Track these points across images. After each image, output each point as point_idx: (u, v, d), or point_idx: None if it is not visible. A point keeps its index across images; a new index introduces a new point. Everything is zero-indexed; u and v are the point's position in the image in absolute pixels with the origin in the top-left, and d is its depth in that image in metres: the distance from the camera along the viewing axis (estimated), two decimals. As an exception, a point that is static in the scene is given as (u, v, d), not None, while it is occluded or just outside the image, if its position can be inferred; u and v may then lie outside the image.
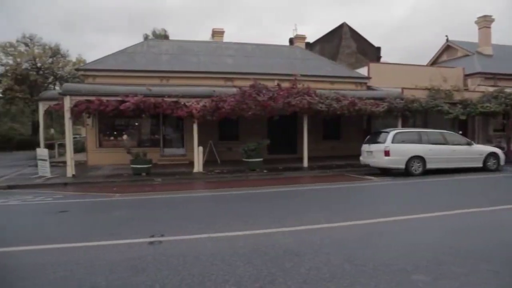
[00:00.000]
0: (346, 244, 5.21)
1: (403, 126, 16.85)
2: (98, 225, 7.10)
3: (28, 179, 13.76)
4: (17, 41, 42.93)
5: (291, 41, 30.69)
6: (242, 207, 8.58)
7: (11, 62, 42.48)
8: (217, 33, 25.50)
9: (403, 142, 13.57)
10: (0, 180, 13.70)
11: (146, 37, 45.97)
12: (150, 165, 14.38)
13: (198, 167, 14.68)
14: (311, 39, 34.40)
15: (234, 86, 15.79)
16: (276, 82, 16.62)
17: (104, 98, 13.92)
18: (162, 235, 5.77)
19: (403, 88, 18.47)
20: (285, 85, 15.96)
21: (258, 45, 23.59)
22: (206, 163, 15.36)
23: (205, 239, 5.60)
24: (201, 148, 14.85)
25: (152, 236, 5.71)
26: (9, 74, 41.14)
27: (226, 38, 25.55)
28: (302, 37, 27.65)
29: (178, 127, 19.39)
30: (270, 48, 23.46)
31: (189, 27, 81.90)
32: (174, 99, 14.42)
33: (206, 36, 46.47)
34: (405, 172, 13.31)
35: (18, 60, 42.26)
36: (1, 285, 4.05)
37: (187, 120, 16.81)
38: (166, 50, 21.46)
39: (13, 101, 43.22)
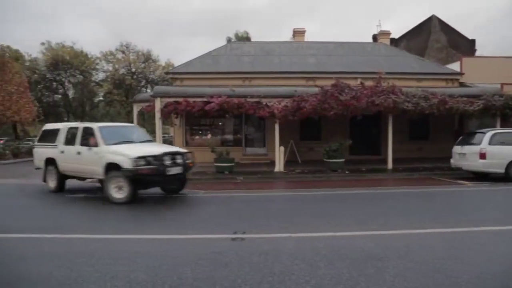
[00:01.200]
0: (434, 253, 4.84)
1: (503, 126, 15.25)
2: (185, 219, 7.51)
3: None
4: (116, 49, 47.22)
5: (375, 37, 29.56)
6: (323, 208, 8.46)
7: (110, 68, 46.81)
8: (298, 33, 25.45)
9: (502, 143, 12.28)
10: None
11: (229, 40, 47.55)
12: (233, 164, 14.83)
13: (279, 166, 14.80)
14: (396, 34, 32.79)
15: (316, 86, 15.63)
16: (359, 81, 16.10)
17: (191, 99, 14.68)
18: (244, 232, 5.91)
19: (502, 84, 16.74)
20: (369, 83, 15.39)
21: (340, 43, 23.08)
22: (287, 163, 15.43)
23: (287, 238, 5.62)
24: (282, 148, 14.95)
25: (235, 233, 5.87)
26: (109, 79, 45.44)
27: (308, 38, 25.38)
28: (387, 33, 26.44)
29: (260, 127, 19.73)
30: (353, 46, 22.81)
31: (271, 28, 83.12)
32: (256, 100, 14.70)
33: (288, 36, 46.69)
34: (505, 177, 12.04)
35: (116, 66, 46.45)
36: (94, 268, 4.46)
37: (268, 120, 17.03)
38: (248, 51, 21.97)
39: (112, 103, 47.62)
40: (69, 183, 11.56)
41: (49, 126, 12.43)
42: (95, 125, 10.38)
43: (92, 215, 8.07)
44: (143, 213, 8.23)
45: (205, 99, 14.55)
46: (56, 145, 11.08)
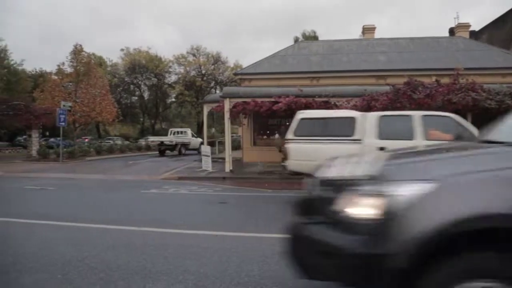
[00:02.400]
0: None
1: None
2: (251, 217, 7.61)
3: (194, 172, 15.65)
4: (187, 52, 49.31)
5: (452, 31, 27.64)
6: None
7: (182, 71, 48.97)
8: (368, 30, 24.66)
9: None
10: (172, 172, 15.97)
11: (296, 40, 47.39)
12: (299, 164, 14.72)
13: (347, 167, 14.43)
14: (476, 27, 30.39)
15: (387, 84, 15.00)
16: (434, 78, 15.17)
17: (259, 100, 14.88)
18: (311, 233, 5.84)
19: None
20: (445, 80, 14.43)
21: (412, 39, 21.94)
22: (355, 164, 15.01)
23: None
24: (350, 148, 14.56)
25: (302, 233, 5.83)
26: (180, 81, 47.56)
27: (378, 34, 24.51)
28: (465, 26, 24.59)
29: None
30: (426, 41, 21.55)
31: (339, 27, 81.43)
32: (325, 99, 14.49)
33: (357, 34, 45.45)
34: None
35: (188, 69, 48.49)
36: (167, 260, 4.67)
37: (336, 120, 16.69)
38: (316, 51, 21.74)
39: (183, 104, 49.78)
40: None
41: (315, 113, 10.25)
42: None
43: (177, 210, 8.50)
44: (211, 209, 8.51)
45: (272, 99, 14.65)
46: (357, 140, 8.74)
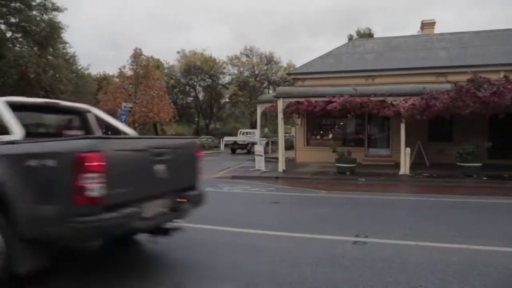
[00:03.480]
0: None
1: None
2: (304, 218, 7.57)
3: (247, 171, 15.82)
4: (240, 53, 49.99)
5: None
6: (455, 217, 7.65)
7: (236, 71, 49.73)
8: (427, 25, 23.50)
9: None
10: (226, 171, 16.26)
11: (350, 38, 46.36)
12: (354, 165, 14.42)
13: (404, 169, 13.89)
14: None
15: (448, 82, 14.21)
16: (502, 74, 14.17)
17: (312, 99, 14.72)
18: (366, 236, 5.69)
19: None
20: (516, 77, 13.41)
21: (478, 33, 20.56)
22: (413, 166, 14.38)
23: (413, 246, 5.24)
24: (408, 149, 13.99)
25: (356, 236, 5.70)
26: (234, 82, 48.32)
27: (438, 29, 23.28)
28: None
29: (384, 127, 18.80)
30: (494, 34, 20.04)
31: (396, 23, 78.43)
32: (380, 98, 14.03)
33: (415, 30, 43.51)
34: None
35: (241, 69, 49.15)
36: (215, 257, 4.76)
37: (393, 120, 16.12)
38: (371, 48, 21.12)
39: (237, 104, 50.54)
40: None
41: None
42: None
43: (231, 209, 8.67)
44: (263, 209, 8.56)
45: (326, 99, 14.43)
46: None
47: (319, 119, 18.84)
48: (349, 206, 9.04)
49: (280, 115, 15.25)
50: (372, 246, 5.30)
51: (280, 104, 15.13)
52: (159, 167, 3.81)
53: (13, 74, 21.18)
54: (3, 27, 23.08)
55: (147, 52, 47.97)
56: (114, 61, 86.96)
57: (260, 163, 16.04)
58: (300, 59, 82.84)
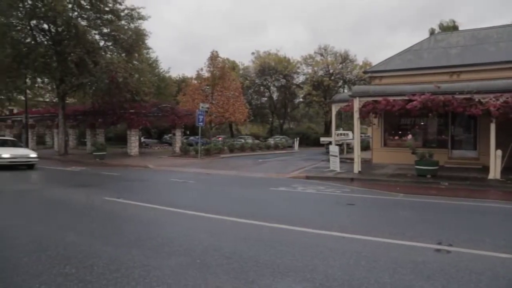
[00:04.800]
0: None
1: None
2: (381, 221, 7.27)
3: (321, 172, 15.62)
4: (315, 52, 49.56)
5: None
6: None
7: (310, 71, 49.37)
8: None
9: None
10: (300, 171, 16.21)
11: (432, 32, 43.50)
12: (436, 167, 13.54)
13: (494, 173, 12.71)
14: None
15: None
16: None
17: (391, 98, 14.09)
18: (450, 245, 5.31)
19: None
20: None
21: None
22: (504, 170, 13.10)
23: (506, 260, 4.77)
24: (499, 152, 12.76)
25: (439, 243, 5.34)
26: (308, 82, 47.99)
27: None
28: None
29: (470, 127, 17.40)
30: None
31: (484, 13, 72.04)
32: (467, 96, 12.99)
33: (508, 19, 39.45)
34: None
35: (315, 69, 48.65)
36: (295, 257, 4.74)
37: (481, 119, 14.86)
38: (456, 42, 19.63)
39: (311, 104, 50.13)
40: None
41: None
42: None
43: (305, 209, 8.68)
44: (338, 210, 8.38)
45: (406, 98, 13.72)
46: None
47: (398, 119, 18.01)
48: (430, 211, 8.50)
49: (356, 115, 14.83)
50: (458, 255, 4.93)
51: (356, 104, 14.70)
52: None
53: (104, 78, 23.14)
54: (97, 37, 25.34)
55: (222, 53, 49.60)
56: (191, 63, 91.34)
57: (335, 164, 15.75)
58: (376, 57, 79.99)
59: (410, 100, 13.49)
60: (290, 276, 4.14)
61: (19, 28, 23.65)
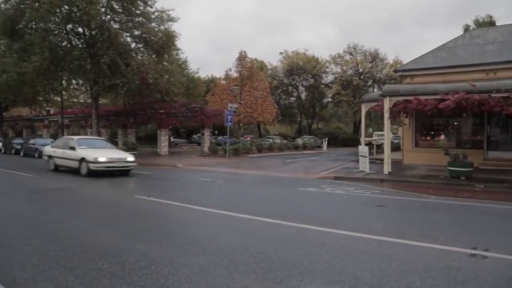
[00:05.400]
0: None
1: None
2: (413, 224, 7.09)
3: (350, 172, 15.40)
4: (344, 51, 48.98)
5: None
6: None
7: (339, 70, 48.80)
8: None
9: None
10: (329, 172, 16.05)
11: (466, 28, 42.06)
12: (471, 169, 13.07)
13: (533, 175, 12.16)
14: None
15: None
16: None
17: (422, 98, 13.72)
18: (486, 250, 5.11)
19: None
20: None
21: None
22: (545, 171, 12.51)
23: (546, 264, 4.56)
24: (539, 153, 12.21)
25: (474, 248, 5.15)
26: (337, 81, 47.45)
27: None
28: None
29: (508, 127, 16.71)
30: None
31: (524, 8, 68.95)
32: (504, 94, 12.45)
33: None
34: None
35: (344, 68, 48.03)
36: (323, 258, 4.68)
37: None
38: (493, 38, 18.89)
39: (340, 104, 49.54)
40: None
41: None
42: None
43: (333, 210, 8.60)
44: (367, 212, 8.24)
45: (438, 97, 13.33)
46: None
47: (430, 119, 17.53)
48: (464, 214, 8.22)
49: (386, 115, 14.52)
50: (495, 261, 4.73)
51: (387, 103, 14.40)
52: None
53: (136, 80, 23.71)
54: (129, 39, 26.04)
55: (251, 53, 49.77)
56: (220, 63, 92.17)
57: (364, 164, 15.49)
58: (408, 55, 78.19)
59: (443, 100, 13.09)
60: (318, 277, 4.11)
61: (56, 32, 24.63)
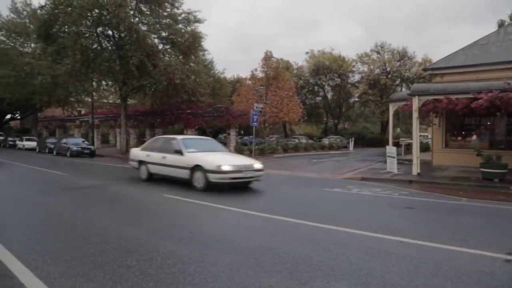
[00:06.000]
0: None
1: None
2: (443, 227, 6.89)
3: (377, 173, 15.14)
4: (371, 50, 48.21)
5: None
6: None
7: (366, 69, 48.06)
8: None
9: None
10: (355, 172, 15.84)
11: (501, 24, 40.50)
12: (505, 170, 12.59)
13: None
14: None
15: None
16: None
17: (453, 97, 13.34)
18: (522, 254, 4.91)
19: None
20: None
21: None
22: None
23: None
24: None
25: (509, 253, 4.95)
26: (364, 80, 46.74)
27: None
28: None
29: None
30: None
31: None
32: (541, 93, 11.97)
33: None
34: None
35: (371, 67, 47.26)
36: (350, 260, 4.62)
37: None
38: (530, 35, 18.15)
39: (366, 103, 48.80)
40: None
41: None
42: None
43: (360, 211, 8.49)
44: (395, 213, 8.08)
45: (470, 96, 12.92)
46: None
47: (461, 119, 17.01)
48: (498, 217, 7.94)
49: (415, 115, 14.20)
50: (530, 266, 4.55)
51: (416, 103, 14.08)
52: None
53: (163, 80, 24.15)
54: (156, 41, 26.57)
55: (276, 52, 49.72)
56: (245, 63, 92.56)
57: (392, 165, 15.19)
58: (437, 53, 76.15)
59: (476, 99, 12.68)
60: (344, 279, 4.05)
61: (87, 35, 25.41)
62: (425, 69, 22.77)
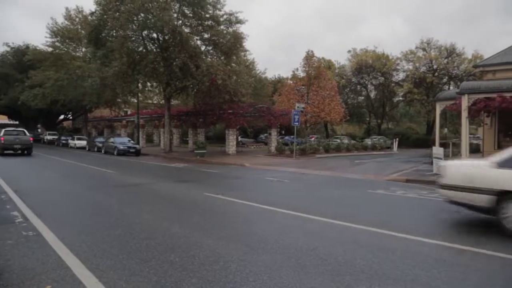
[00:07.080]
0: None
1: None
2: (493, 233, 6.48)
3: (423, 175, 14.58)
4: (416, 47, 46.46)
5: None
6: None
7: (411, 67, 46.45)
8: None
9: None
10: (399, 174, 15.35)
11: None
12: None
13: None
14: None
15: None
16: None
17: (507, 95, 12.63)
18: None
19: None
20: None
21: None
22: None
23: None
24: None
25: None
26: (409, 79, 45.18)
27: None
28: None
29: None
30: None
31: None
32: None
33: None
34: None
35: (417, 65, 45.59)
36: (394, 264, 4.48)
37: None
38: None
39: (412, 103, 47.16)
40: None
41: None
42: None
43: (405, 214, 8.25)
44: (442, 217, 7.75)
45: (526, 94, 12.19)
46: None
47: (516, 118, 16.05)
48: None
49: (465, 114, 13.58)
50: None
51: (465, 101, 13.46)
52: None
53: (205, 81, 24.61)
54: (199, 42, 27.11)
55: (317, 51, 49.22)
56: (287, 63, 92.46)
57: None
58: (489, 48, 72.36)
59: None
60: (388, 284, 3.94)
61: (133, 38, 26.41)
62: (475, 66, 21.71)
